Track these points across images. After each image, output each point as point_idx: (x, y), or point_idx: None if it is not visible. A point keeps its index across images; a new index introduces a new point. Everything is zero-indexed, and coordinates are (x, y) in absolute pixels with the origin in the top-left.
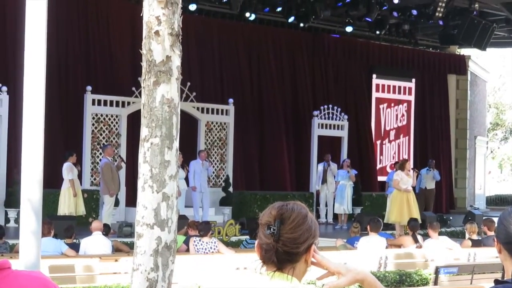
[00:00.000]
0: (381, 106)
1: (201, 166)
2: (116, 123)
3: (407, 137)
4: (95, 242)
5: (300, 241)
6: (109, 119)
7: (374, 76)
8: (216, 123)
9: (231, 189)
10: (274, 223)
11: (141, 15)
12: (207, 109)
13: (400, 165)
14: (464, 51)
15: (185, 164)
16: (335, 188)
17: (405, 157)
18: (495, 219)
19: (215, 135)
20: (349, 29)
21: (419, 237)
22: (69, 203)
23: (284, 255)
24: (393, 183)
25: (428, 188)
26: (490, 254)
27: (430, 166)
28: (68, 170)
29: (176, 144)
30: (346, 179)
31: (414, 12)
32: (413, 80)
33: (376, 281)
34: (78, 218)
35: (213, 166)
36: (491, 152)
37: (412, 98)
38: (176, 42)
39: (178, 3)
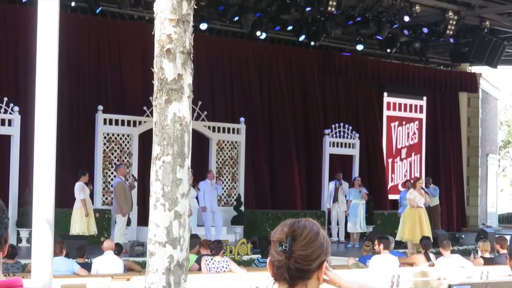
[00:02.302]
0: (392, 124)
1: (210, 186)
2: (128, 142)
3: (418, 155)
4: (107, 262)
5: (312, 258)
6: (121, 138)
7: (385, 94)
8: (227, 142)
9: (242, 208)
10: (286, 240)
11: (153, 33)
12: (218, 128)
13: (412, 183)
14: (475, 69)
15: (196, 183)
16: (347, 206)
17: (417, 175)
18: (508, 237)
19: (226, 154)
20: (360, 47)
21: (432, 256)
22: (81, 223)
23: (296, 272)
24: (408, 202)
25: (432, 205)
26: (503, 272)
27: (427, 184)
28: (80, 190)
29: (188, 162)
30: (358, 197)
31: (425, 30)
32: (424, 98)
33: None
34: (90, 238)
35: (223, 185)
36: (503, 170)
37: (423, 116)
38: (187, 60)
39: (189, 21)
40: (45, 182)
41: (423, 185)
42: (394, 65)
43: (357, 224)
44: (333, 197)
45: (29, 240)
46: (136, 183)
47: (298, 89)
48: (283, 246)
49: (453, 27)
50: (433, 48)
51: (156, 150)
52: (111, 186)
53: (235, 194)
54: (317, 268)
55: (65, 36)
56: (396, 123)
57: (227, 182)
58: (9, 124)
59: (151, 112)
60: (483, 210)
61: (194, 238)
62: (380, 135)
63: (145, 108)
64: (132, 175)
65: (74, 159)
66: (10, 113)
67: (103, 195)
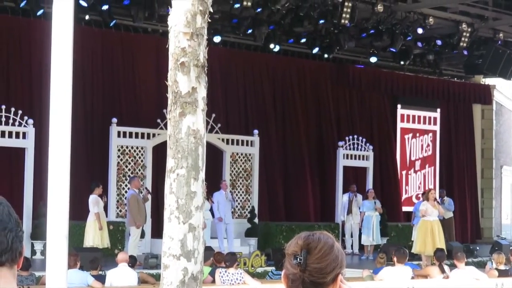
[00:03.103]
0: (406, 136)
1: (225, 196)
2: (142, 155)
3: (432, 167)
4: (121, 274)
5: (326, 271)
6: (135, 151)
7: (399, 106)
8: (241, 154)
9: (256, 220)
10: (301, 253)
11: (167, 46)
12: (232, 140)
13: (425, 195)
14: (489, 81)
15: (210, 195)
16: (361, 219)
17: (431, 187)
18: None
19: (240, 166)
20: (373, 59)
21: (446, 268)
22: (94, 236)
23: (311, 285)
24: (420, 213)
25: (446, 217)
26: None
27: (442, 197)
28: (94, 203)
29: (202, 175)
30: (372, 210)
31: (439, 42)
32: (438, 110)
33: None
34: (104, 250)
35: (237, 197)
36: None
37: (437, 128)
38: (201, 73)
39: (203, 34)
40: (60, 195)
41: (436, 197)
42: (408, 77)
43: (371, 236)
44: (347, 209)
45: (43, 253)
46: (149, 196)
47: (312, 101)
48: (298, 259)
49: (466, 39)
50: (447, 60)
51: (170, 163)
52: (125, 198)
53: (249, 206)
54: (332, 281)
55: (79, 49)
56: (410, 135)
57: (241, 195)
58: (24, 137)
59: (165, 125)
60: (497, 222)
61: (207, 250)
62: (394, 147)
63: (159, 120)
64: (146, 188)
65: (88, 172)
66: (24, 126)
67: (117, 208)
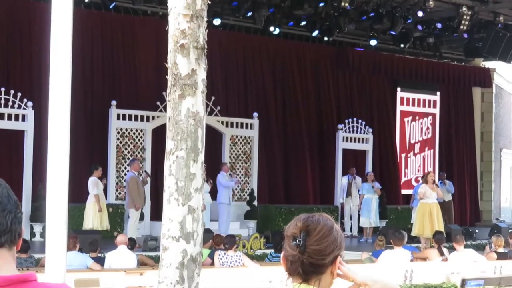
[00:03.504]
0: (405, 119)
1: (226, 178)
2: (141, 137)
3: (432, 150)
4: (120, 256)
5: (325, 253)
6: (134, 133)
7: (398, 89)
8: (241, 137)
9: (255, 202)
10: (300, 235)
11: (167, 28)
12: (232, 123)
13: (423, 177)
14: (489, 64)
15: (209, 177)
16: (360, 201)
17: (430, 170)
18: None
19: (240, 149)
20: (373, 42)
21: (445, 250)
22: (93, 218)
23: (309, 266)
24: (419, 196)
25: (446, 200)
26: None
27: (442, 179)
28: (93, 185)
29: (202, 157)
30: (371, 192)
31: (439, 25)
32: (438, 93)
33: None
34: (103, 232)
35: (238, 178)
36: None
37: (437, 111)
38: (201, 56)
39: (203, 16)
40: (59, 177)
41: (435, 179)
42: (408, 60)
43: (370, 219)
44: (346, 192)
45: (42, 235)
46: (148, 179)
47: (312, 84)
48: (297, 241)
49: (467, 22)
50: (447, 43)
51: (169, 145)
52: (124, 181)
53: (248, 189)
54: (330, 263)
55: (78, 32)
56: (410, 118)
57: (240, 177)
58: (23, 119)
59: (165, 107)
60: (496, 205)
61: (206, 232)
62: (394, 130)
63: (158, 103)
64: (145, 171)
65: (88, 154)
66: (24, 108)
67: (117, 190)
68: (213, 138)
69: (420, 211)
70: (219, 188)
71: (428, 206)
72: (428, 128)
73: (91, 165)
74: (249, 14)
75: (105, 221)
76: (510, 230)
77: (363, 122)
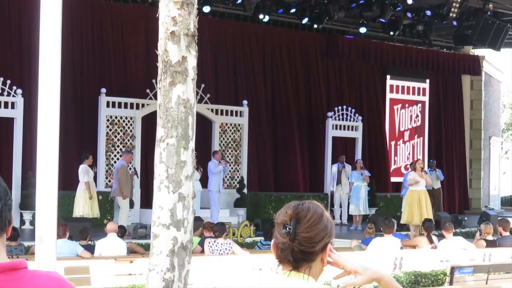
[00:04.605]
0: (395, 107)
1: (217, 166)
2: (131, 125)
3: (421, 138)
4: (110, 244)
5: (316, 240)
6: (124, 121)
7: (388, 77)
8: (231, 124)
9: (245, 190)
10: (290, 222)
11: (157, 15)
12: (221, 110)
13: (412, 165)
14: (478, 52)
15: (199, 165)
16: (349, 189)
17: (420, 157)
18: (510, 220)
19: (229, 136)
20: (363, 30)
21: (434, 238)
22: (84, 205)
23: (300, 254)
24: (407, 183)
25: (435, 188)
26: (505, 254)
27: (432, 167)
28: (84, 173)
29: (192, 144)
30: (360, 180)
31: (428, 12)
32: (427, 81)
33: (393, 281)
34: (93, 220)
35: (229, 165)
36: (506, 152)
37: (426, 99)
38: (192, 43)
39: (194, 3)
40: (49, 165)
41: (423, 167)
42: (397, 48)
43: (359, 206)
44: (336, 180)
45: (32, 223)
46: (135, 177)
47: (301, 71)
48: (287, 229)
49: (456, 10)
50: (436, 31)
51: (160, 132)
52: (115, 168)
53: (238, 177)
54: (321, 250)
55: (68, 19)
56: (399, 105)
57: (230, 165)
58: (12, 107)
59: (154, 95)
60: (485, 193)
61: (197, 220)
62: (383, 118)
63: (148, 90)
64: (134, 168)
65: (78, 142)
66: (13, 95)
67: (106, 178)
68: (203, 126)
69: (409, 199)
70: (210, 175)
71: (416, 193)
72: (417, 116)
73: (82, 153)
74: (239, 1)
75: (95, 208)
76: (499, 218)
77: (353, 110)
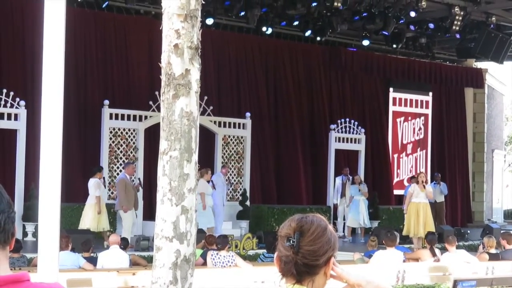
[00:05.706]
0: (398, 120)
1: (223, 180)
2: (134, 137)
3: (424, 151)
4: (113, 256)
5: (319, 254)
6: (127, 133)
7: (391, 89)
8: (233, 137)
9: (248, 202)
10: (294, 235)
11: (161, 28)
12: (224, 123)
13: (415, 178)
14: (481, 65)
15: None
16: (349, 202)
17: (423, 170)
18: None
19: (232, 148)
20: (366, 42)
21: (437, 251)
22: (92, 219)
23: (303, 267)
24: (408, 195)
25: (438, 201)
26: (508, 268)
27: (436, 180)
28: (95, 187)
29: (195, 157)
30: (359, 194)
31: (431, 25)
32: (430, 93)
33: None
34: (96, 232)
35: (231, 181)
36: (509, 165)
37: (429, 111)
38: (195, 56)
39: (197, 16)
40: (51, 176)
41: (424, 180)
42: (400, 61)
43: (359, 220)
44: (341, 193)
45: (35, 234)
46: (140, 188)
47: (304, 84)
48: (291, 241)
49: (459, 23)
50: (439, 43)
51: (163, 145)
52: (116, 181)
53: (240, 189)
54: (324, 263)
55: (71, 31)
56: (402, 118)
57: (232, 177)
58: (15, 119)
59: (157, 107)
60: (488, 206)
61: (199, 232)
62: (386, 131)
63: (151, 102)
64: (139, 179)
65: (80, 154)
66: (16, 107)
67: (109, 190)
68: (206, 138)
69: (409, 212)
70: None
71: (416, 206)
72: (420, 128)
73: (95, 167)
74: (242, 13)
75: (101, 223)
76: (502, 231)
77: (356, 123)
